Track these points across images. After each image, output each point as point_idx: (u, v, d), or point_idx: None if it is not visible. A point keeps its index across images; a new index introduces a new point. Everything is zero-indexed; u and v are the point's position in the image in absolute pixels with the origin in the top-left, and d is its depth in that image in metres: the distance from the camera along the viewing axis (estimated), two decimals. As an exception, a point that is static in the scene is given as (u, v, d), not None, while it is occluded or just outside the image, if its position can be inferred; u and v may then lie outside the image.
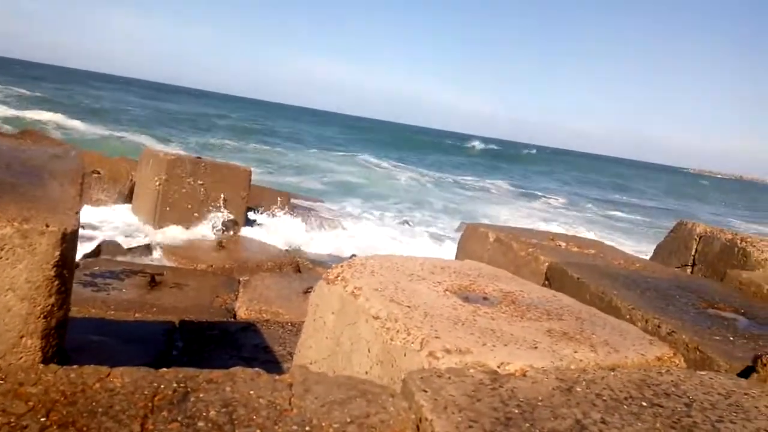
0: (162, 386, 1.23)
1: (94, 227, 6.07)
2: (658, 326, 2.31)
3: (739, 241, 3.90)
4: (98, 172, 7.62)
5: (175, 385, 1.23)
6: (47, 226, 1.44)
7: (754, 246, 3.82)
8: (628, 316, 2.41)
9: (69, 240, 1.47)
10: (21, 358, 1.45)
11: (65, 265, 1.49)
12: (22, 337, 1.45)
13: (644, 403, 1.42)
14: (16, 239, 1.41)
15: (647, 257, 4.80)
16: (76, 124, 24.70)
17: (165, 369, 1.29)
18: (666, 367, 1.73)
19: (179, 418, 1.13)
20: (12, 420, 1.10)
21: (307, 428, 1.14)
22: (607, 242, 4.75)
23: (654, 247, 5.14)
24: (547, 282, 3.07)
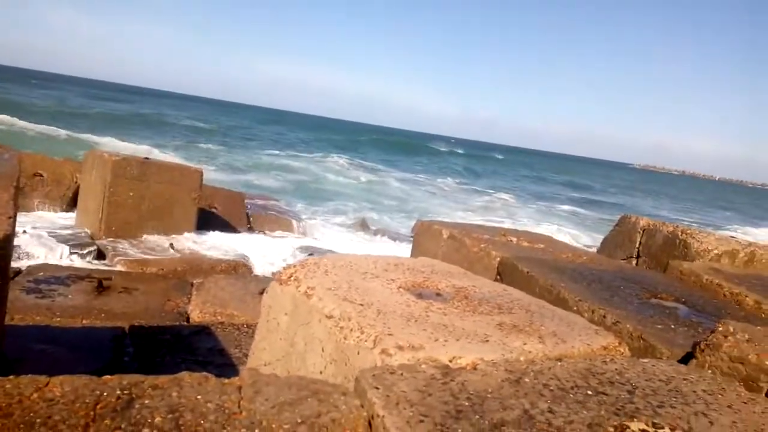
0: (105, 394, 1.19)
1: (34, 230, 5.81)
2: (604, 316, 2.39)
3: (680, 233, 4.08)
4: (41, 175, 7.30)
5: (118, 392, 1.19)
6: (-23, 231, 1.37)
7: (694, 238, 4.00)
8: (575, 308, 2.48)
9: (2, 246, 1.40)
10: (-48, 370, 1.38)
11: (-1, 272, 1.42)
12: (-48, 348, 1.37)
13: (589, 392, 1.47)
14: (-56, 245, 1.34)
15: (594, 250, 4.97)
16: (25, 125, 23.57)
17: (108, 376, 1.25)
18: (611, 356, 1.80)
19: (123, 426, 1.10)
20: (-60, 436, 1.04)
21: (257, 430, 1.12)
22: (558, 236, 4.89)
23: (600, 240, 5.32)
24: (498, 277, 3.13)
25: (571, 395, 1.43)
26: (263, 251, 6.67)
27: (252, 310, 4.27)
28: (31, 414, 1.13)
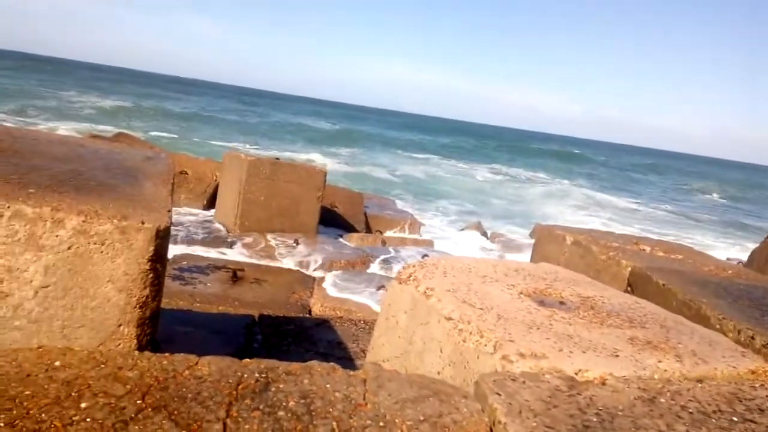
0: (245, 376, 1.30)
1: (180, 223, 6.44)
2: (752, 337, 2.15)
3: None
4: (186, 173, 8.08)
5: (257, 375, 1.29)
6: (143, 223, 1.55)
7: None
8: (718, 326, 2.26)
9: (162, 236, 1.58)
10: (119, 344, 1.58)
11: (159, 260, 1.60)
12: (120, 325, 1.57)
13: (735, 418, 1.34)
14: (116, 235, 1.53)
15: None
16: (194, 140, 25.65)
17: (247, 360, 1.36)
18: (760, 382, 1.62)
19: (261, 407, 1.19)
20: (112, 401, 1.20)
21: (381, 424, 1.16)
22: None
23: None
24: (629, 288, 2.94)
25: (714, 420, 1.32)
26: (381, 250, 6.83)
27: (368, 307, 4.41)
28: (184, 389, 1.27)
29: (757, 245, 4.46)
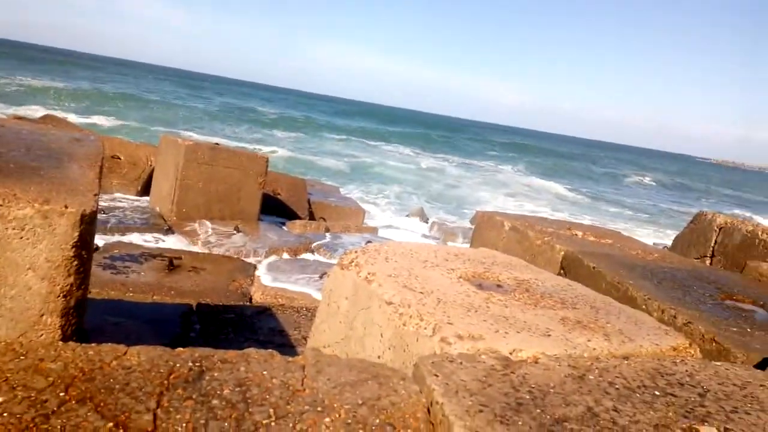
0: (178, 365, 1.25)
1: (112, 210, 6.16)
2: (675, 316, 2.29)
3: (760, 233, 3.83)
4: (118, 158, 7.72)
5: (190, 364, 1.25)
6: (66, 207, 1.46)
7: (776, 238, 3.75)
8: (644, 306, 2.39)
9: (87, 221, 1.49)
10: (41, 335, 1.49)
11: (84, 246, 1.51)
12: (42, 315, 1.48)
13: (657, 392, 1.41)
14: (37, 219, 1.44)
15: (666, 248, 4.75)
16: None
17: (181, 348, 1.32)
18: (681, 357, 1.72)
19: (194, 396, 1.15)
20: (32, 394, 1.13)
21: (319, 408, 1.15)
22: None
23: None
24: (562, 271, 3.05)
25: (638, 395, 1.39)
26: (324, 238, 6.79)
27: (310, 294, 4.38)
28: (111, 380, 1.21)
29: (680, 231, 4.73)
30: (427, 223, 10.74)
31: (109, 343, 1.36)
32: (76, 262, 1.49)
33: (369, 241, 6.68)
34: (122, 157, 7.68)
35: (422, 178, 22.76)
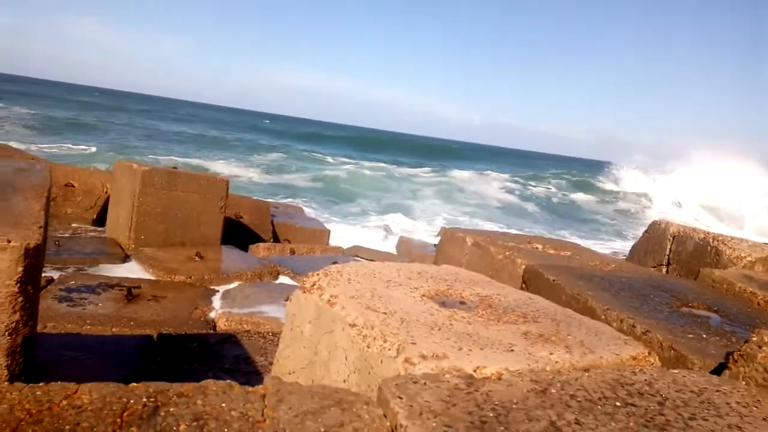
0: (131, 401, 1.21)
1: (67, 240, 5.96)
2: (633, 326, 2.34)
3: (711, 240, 3.97)
4: (72, 185, 7.50)
5: (144, 399, 1.21)
6: (9, 241, 1.40)
7: (726, 244, 3.89)
8: (603, 317, 2.43)
9: (32, 255, 1.43)
10: (-14, 377, 1.42)
11: (30, 281, 1.45)
12: (-13, 355, 1.41)
13: (618, 403, 1.43)
14: (-21, 255, 1.38)
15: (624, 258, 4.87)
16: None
17: (135, 384, 1.27)
18: (640, 367, 1.75)
19: (148, 434, 1.11)
20: (-26, 441, 1.07)
21: (280, 439, 1.12)
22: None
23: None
24: (524, 285, 3.09)
25: (599, 407, 1.40)
26: (290, 260, 6.72)
27: (276, 319, 4.30)
28: (60, 421, 1.15)
29: (636, 241, 4.87)
30: (387, 237, 10.79)
31: (59, 382, 1.30)
32: (21, 298, 1.42)
33: (335, 262, 6.63)
34: (76, 185, 7.46)
35: (382, 191, 22.97)
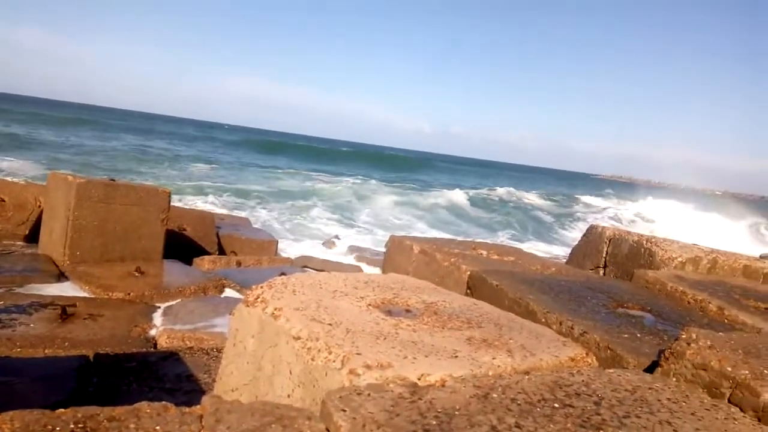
0: (58, 429, 1.14)
1: (-4, 259, 5.62)
2: (572, 328, 2.41)
3: (644, 242, 4.16)
4: (2, 200, 7.09)
5: (72, 426, 1.15)
6: None
7: (658, 246, 4.08)
8: (543, 320, 2.50)
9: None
10: None
11: (-54, 304, 1.36)
12: None
13: (556, 405, 1.47)
14: None
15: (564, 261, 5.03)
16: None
17: (62, 410, 1.20)
18: (578, 368, 1.81)
19: (76, 463, 1.05)
20: None
21: (218, 460, 1.09)
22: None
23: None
24: (469, 291, 3.13)
25: (538, 409, 1.43)
26: (236, 273, 6.57)
27: (222, 334, 4.19)
28: (-21, 453, 1.08)
29: (575, 245, 5.05)
30: (336, 244, 10.76)
31: (-22, 412, 1.21)
32: (-65, 324, 1.33)
33: (282, 273, 6.54)
34: (6, 200, 7.06)
35: (332, 201, 22.89)
